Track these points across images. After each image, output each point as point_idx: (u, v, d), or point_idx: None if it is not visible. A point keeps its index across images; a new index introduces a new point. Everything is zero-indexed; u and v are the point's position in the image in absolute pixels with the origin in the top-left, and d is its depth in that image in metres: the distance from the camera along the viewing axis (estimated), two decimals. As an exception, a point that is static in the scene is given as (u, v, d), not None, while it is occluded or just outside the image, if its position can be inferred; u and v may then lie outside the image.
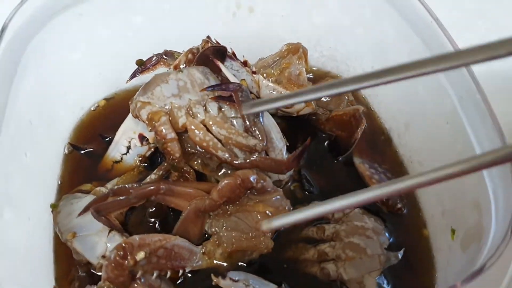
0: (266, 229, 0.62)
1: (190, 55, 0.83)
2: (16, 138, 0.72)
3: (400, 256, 0.75)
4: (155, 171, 0.82)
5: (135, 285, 0.64)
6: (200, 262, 0.70)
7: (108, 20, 0.89)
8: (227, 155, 0.72)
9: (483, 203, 0.65)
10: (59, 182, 0.85)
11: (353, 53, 0.99)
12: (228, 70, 0.80)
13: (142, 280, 0.65)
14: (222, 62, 0.82)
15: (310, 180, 0.86)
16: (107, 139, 0.89)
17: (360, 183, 0.85)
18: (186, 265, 0.68)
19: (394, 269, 0.74)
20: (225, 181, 0.69)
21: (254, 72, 0.85)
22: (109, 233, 0.76)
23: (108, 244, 0.74)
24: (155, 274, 0.66)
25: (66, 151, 0.89)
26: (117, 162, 0.86)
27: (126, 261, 0.63)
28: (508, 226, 0.55)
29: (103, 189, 0.82)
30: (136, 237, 0.65)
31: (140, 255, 0.63)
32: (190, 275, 0.72)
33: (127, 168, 0.86)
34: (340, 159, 0.90)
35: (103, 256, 0.74)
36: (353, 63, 1.00)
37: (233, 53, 0.84)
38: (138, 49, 0.92)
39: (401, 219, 0.83)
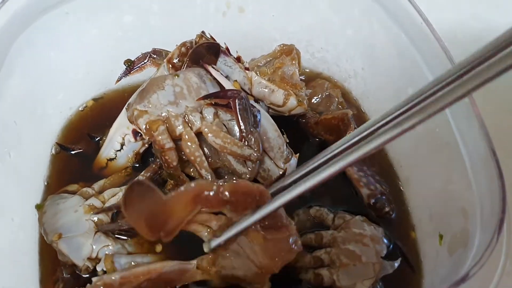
0: (207, 251, 0.65)
1: (183, 49, 0.83)
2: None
3: (396, 266, 0.74)
4: (143, 173, 0.81)
5: None
6: (196, 277, 0.67)
7: (96, 19, 0.89)
8: (209, 176, 0.74)
9: (470, 209, 0.65)
10: (46, 183, 0.84)
11: (343, 54, 0.99)
12: (220, 74, 0.79)
13: None
14: (216, 59, 0.82)
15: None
16: (96, 139, 0.89)
17: (349, 186, 0.85)
18: (178, 284, 0.67)
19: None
20: (244, 181, 0.64)
21: (247, 69, 0.84)
22: (95, 234, 0.75)
23: (94, 246, 0.74)
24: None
25: (54, 151, 0.88)
26: (111, 159, 0.85)
27: None
28: (493, 233, 0.55)
29: (89, 190, 0.81)
30: (117, 275, 0.64)
31: None
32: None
33: (121, 167, 0.86)
34: (329, 162, 0.89)
35: (89, 258, 0.74)
36: (344, 65, 1.00)
37: (227, 48, 0.84)
38: (127, 49, 0.92)
39: (390, 223, 0.82)
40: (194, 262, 0.67)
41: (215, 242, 0.64)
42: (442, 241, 0.72)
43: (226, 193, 0.59)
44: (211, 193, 0.59)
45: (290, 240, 0.65)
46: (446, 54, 0.68)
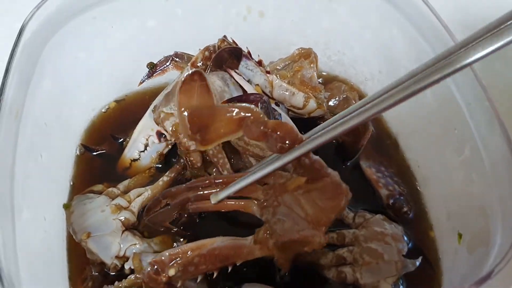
0: (214, 202, 0.65)
1: (206, 53, 0.84)
2: (32, 139, 0.74)
3: (417, 264, 0.75)
4: (167, 173, 0.84)
5: None
6: (254, 253, 0.66)
7: (121, 23, 0.91)
8: None
9: (489, 209, 0.66)
10: (72, 183, 0.87)
11: (360, 58, 1.01)
12: (242, 78, 0.82)
13: None
14: (238, 63, 0.84)
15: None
16: (119, 140, 0.91)
17: (367, 186, 0.87)
18: (236, 260, 0.65)
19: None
20: (287, 123, 0.62)
21: (268, 72, 0.86)
22: (122, 233, 0.78)
23: (122, 245, 0.76)
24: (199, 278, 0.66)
25: (78, 152, 0.90)
26: (135, 160, 0.88)
27: (159, 278, 0.64)
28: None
29: (114, 190, 0.84)
30: (166, 253, 0.65)
31: (171, 272, 0.63)
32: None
33: (144, 167, 0.88)
34: (348, 164, 0.91)
35: (117, 256, 0.76)
36: (360, 67, 1.02)
37: (249, 52, 0.86)
38: (150, 52, 0.95)
39: (408, 222, 0.84)
40: (250, 237, 0.67)
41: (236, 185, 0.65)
42: (461, 240, 0.74)
43: (269, 127, 0.59)
44: (256, 123, 0.59)
45: (335, 185, 0.64)
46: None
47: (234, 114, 0.60)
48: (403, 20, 0.85)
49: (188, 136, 0.60)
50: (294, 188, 0.64)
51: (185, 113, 0.59)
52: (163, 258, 0.64)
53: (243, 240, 0.66)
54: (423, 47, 0.81)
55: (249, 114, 0.59)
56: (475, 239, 0.70)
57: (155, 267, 0.64)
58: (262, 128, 0.58)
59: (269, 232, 0.65)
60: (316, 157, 0.63)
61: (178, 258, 0.64)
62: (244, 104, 0.61)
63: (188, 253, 0.64)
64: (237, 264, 0.65)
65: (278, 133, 0.58)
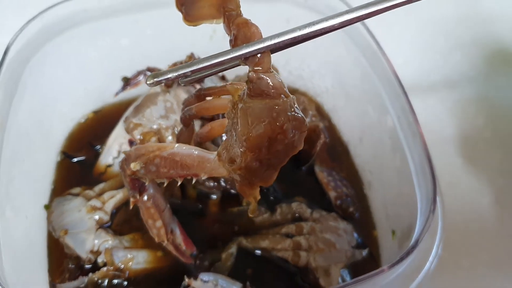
0: (149, 84, 0.52)
1: None
2: (16, 147, 0.81)
3: (364, 254, 0.86)
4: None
5: (144, 198, 0.71)
6: (218, 170, 0.59)
7: (97, 42, 0.99)
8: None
9: (413, 209, 0.76)
10: (52, 186, 0.94)
11: (316, 73, 1.10)
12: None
13: (151, 191, 0.72)
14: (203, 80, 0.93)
15: (275, 188, 0.96)
16: (96, 147, 0.99)
17: (320, 189, 0.97)
18: (199, 173, 0.61)
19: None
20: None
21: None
22: (96, 231, 0.85)
23: (96, 241, 0.84)
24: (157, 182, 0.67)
25: (59, 158, 0.98)
26: (109, 165, 0.95)
27: (126, 170, 0.66)
28: (423, 224, 0.67)
29: (90, 192, 0.90)
30: (133, 148, 0.66)
31: (134, 166, 0.64)
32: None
33: (118, 172, 0.95)
34: (303, 169, 1.01)
35: (91, 251, 0.83)
36: (317, 82, 1.12)
37: (213, 68, 0.94)
38: (124, 67, 1.03)
39: (355, 222, 0.93)
40: (215, 153, 0.59)
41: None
42: (394, 236, 0.84)
43: (236, 23, 0.51)
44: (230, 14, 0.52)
45: (284, 107, 0.50)
46: (396, 79, 0.81)
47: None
48: (349, 41, 0.94)
49: (176, 6, 0.54)
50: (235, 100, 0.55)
51: None
52: (130, 151, 0.66)
53: (208, 153, 0.60)
54: (364, 65, 0.91)
55: (230, 5, 0.52)
56: (403, 235, 0.80)
57: (124, 157, 0.66)
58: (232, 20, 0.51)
59: (227, 146, 0.56)
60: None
61: (142, 154, 0.64)
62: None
63: (150, 151, 0.63)
64: (202, 178, 0.61)
65: (239, 31, 0.50)
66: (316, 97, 1.14)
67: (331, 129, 1.08)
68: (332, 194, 0.95)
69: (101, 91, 1.05)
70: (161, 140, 0.86)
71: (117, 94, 1.04)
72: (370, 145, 0.96)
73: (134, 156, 0.64)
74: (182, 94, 0.89)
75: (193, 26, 0.56)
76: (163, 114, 0.88)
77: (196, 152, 0.61)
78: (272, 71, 0.52)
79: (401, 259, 0.64)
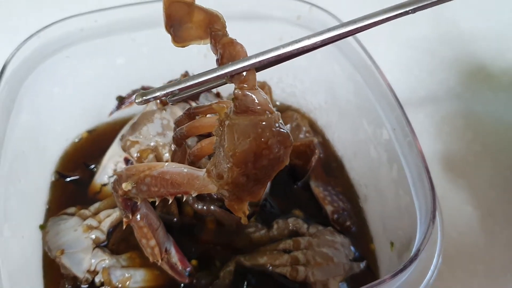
0: (138, 103, 0.54)
1: None
2: (12, 165, 0.80)
3: (362, 267, 0.87)
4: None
5: (137, 218, 0.71)
6: (208, 186, 0.60)
7: (92, 61, 1.00)
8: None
9: (413, 220, 0.76)
10: (47, 206, 0.93)
11: (309, 90, 1.12)
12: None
13: (144, 211, 0.71)
14: (198, 95, 0.94)
15: (272, 204, 0.96)
16: (91, 167, 0.99)
17: (317, 204, 0.97)
18: (189, 190, 0.62)
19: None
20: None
21: (225, 103, 0.96)
22: (93, 250, 0.84)
23: (92, 260, 0.83)
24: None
25: (53, 178, 0.98)
26: (105, 185, 0.95)
27: (118, 190, 0.66)
28: (424, 233, 0.68)
29: (86, 212, 0.90)
30: (124, 168, 0.67)
31: (125, 186, 0.64)
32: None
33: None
34: (299, 184, 1.01)
35: (88, 271, 0.82)
36: (310, 98, 1.13)
37: (207, 85, 0.96)
38: (119, 86, 1.03)
39: (352, 236, 0.93)
40: (204, 170, 0.61)
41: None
42: (393, 247, 0.85)
43: (222, 42, 0.53)
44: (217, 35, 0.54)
45: (269, 123, 0.52)
46: (390, 91, 0.83)
47: (205, 15, 0.54)
48: (342, 57, 0.96)
49: (165, 28, 0.55)
50: (221, 118, 0.56)
51: (165, 4, 0.54)
52: (121, 172, 0.66)
53: (198, 171, 0.62)
54: (358, 80, 0.93)
55: (216, 26, 0.55)
56: (402, 246, 0.81)
57: (116, 177, 0.66)
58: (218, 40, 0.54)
59: (215, 162, 0.57)
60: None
61: (132, 174, 0.64)
62: (212, 11, 0.55)
63: (141, 171, 0.64)
64: (193, 195, 0.62)
65: (225, 50, 0.53)
66: (309, 114, 1.15)
67: (325, 145, 1.09)
68: (328, 208, 0.96)
69: (96, 110, 1.06)
70: (158, 157, 0.87)
71: (111, 113, 1.05)
72: (364, 159, 0.98)
73: (125, 176, 0.65)
74: (178, 111, 0.90)
75: (182, 47, 0.58)
76: (160, 132, 0.88)
77: (186, 170, 0.62)
78: (257, 88, 0.53)
79: (404, 268, 0.64)
